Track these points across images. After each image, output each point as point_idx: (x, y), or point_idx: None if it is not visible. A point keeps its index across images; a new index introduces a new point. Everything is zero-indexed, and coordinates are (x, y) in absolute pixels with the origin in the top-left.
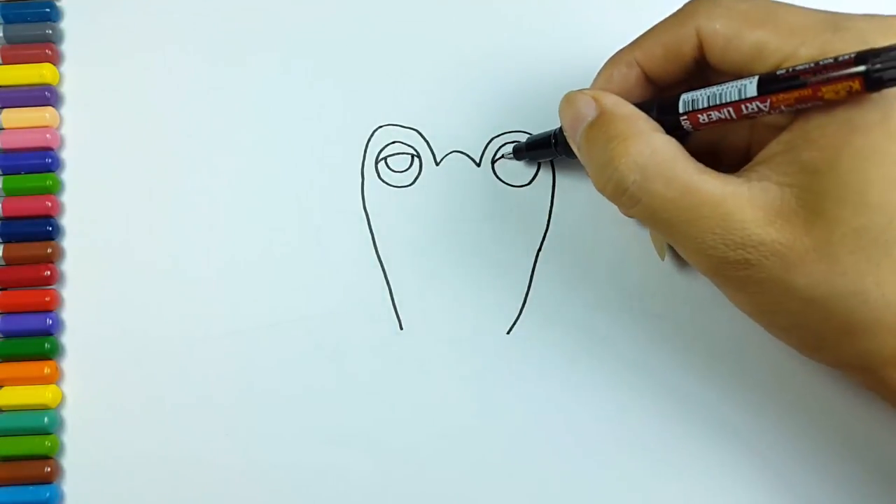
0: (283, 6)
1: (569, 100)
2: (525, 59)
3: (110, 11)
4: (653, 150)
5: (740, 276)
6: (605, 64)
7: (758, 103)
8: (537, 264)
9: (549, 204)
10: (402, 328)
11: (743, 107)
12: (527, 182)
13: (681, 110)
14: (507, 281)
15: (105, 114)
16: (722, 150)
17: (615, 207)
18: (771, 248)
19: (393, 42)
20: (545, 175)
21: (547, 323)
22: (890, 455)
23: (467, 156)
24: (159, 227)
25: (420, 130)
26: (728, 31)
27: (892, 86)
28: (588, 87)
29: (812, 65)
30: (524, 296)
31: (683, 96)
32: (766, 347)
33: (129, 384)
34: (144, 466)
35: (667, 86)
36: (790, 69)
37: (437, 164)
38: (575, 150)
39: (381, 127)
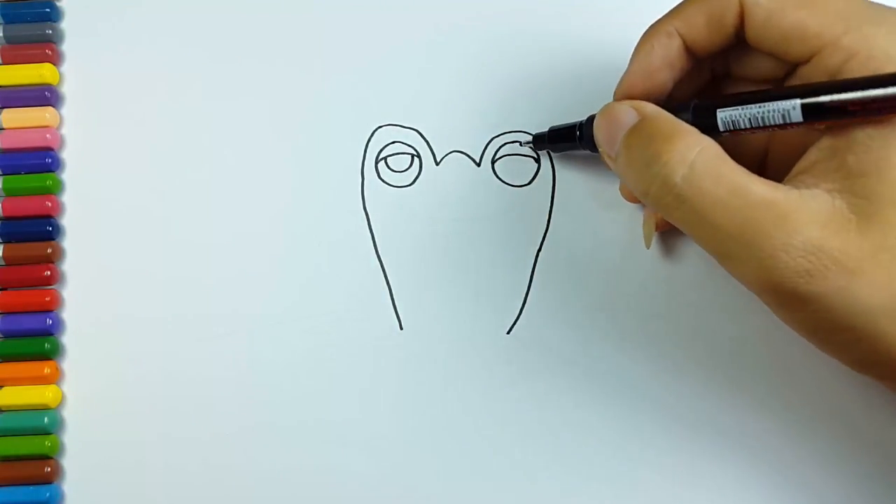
0: (284, 6)
1: (606, 110)
2: (525, 58)
3: (110, 11)
4: (701, 147)
5: (801, 290)
6: (644, 35)
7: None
8: (537, 264)
9: (549, 204)
10: (402, 328)
11: (788, 128)
12: (527, 182)
13: (721, 129)
14: (507, 281)
15: (105, 114)
16: (739, 154)
17: (615, 207)
18: (830, 256)
19: (393, 42)
20: (545, 175)
21: (547, 323)
22: None
23: (467, 156)
24: (159, 226)
25: (420, 130)
26: (770, 5)
27: None
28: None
29: (859, 96)
30: (524, 296)
31: (721, 115)
32: (766, 348)
33: (130, 384)
34: (144, 466)
35: (707, 57)
36: (836, 99)
37: (437, 163)
38: (610, 163)
39: (381, 127)
